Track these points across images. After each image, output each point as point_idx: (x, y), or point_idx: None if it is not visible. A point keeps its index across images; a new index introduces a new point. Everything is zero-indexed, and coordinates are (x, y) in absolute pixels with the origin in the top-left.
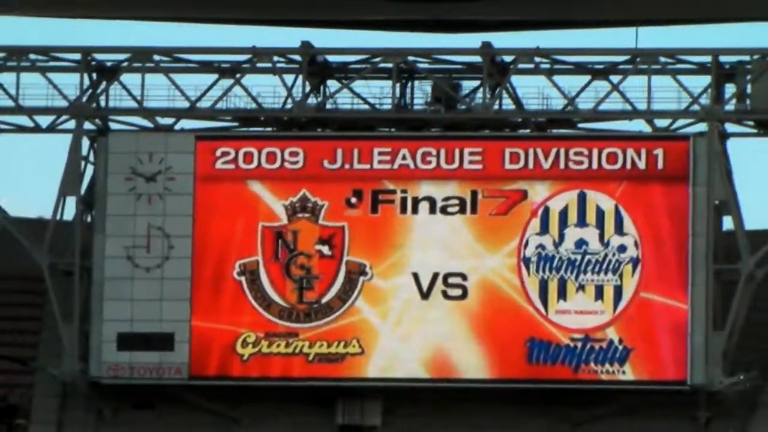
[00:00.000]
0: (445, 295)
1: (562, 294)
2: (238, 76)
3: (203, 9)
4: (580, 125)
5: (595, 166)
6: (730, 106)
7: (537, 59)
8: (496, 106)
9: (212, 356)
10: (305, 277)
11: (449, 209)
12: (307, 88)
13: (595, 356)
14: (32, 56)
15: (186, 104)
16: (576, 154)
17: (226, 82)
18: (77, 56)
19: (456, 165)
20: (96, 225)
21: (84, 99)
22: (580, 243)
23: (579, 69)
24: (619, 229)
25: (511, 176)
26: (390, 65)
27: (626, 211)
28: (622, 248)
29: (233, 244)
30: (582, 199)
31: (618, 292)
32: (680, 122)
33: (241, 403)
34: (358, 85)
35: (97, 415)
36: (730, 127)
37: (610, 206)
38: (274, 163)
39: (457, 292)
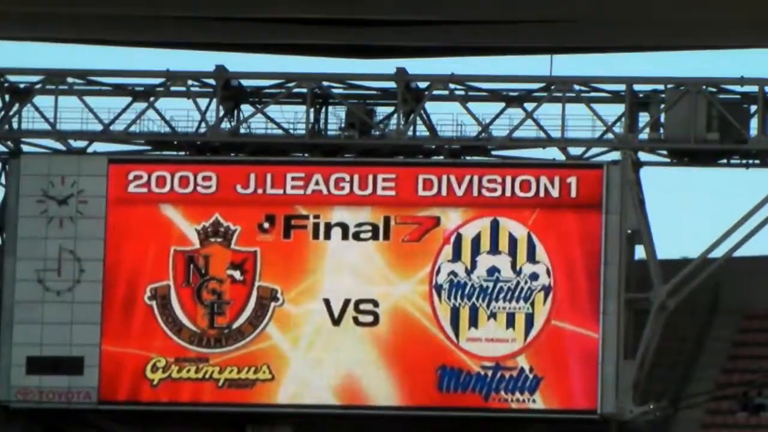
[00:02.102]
0: (356, 321)
1: (474, 321)
2: (151, 99)
3: (117, 32)
4: (494, 152)
5: (508, 193)
6: (644, 135)
7: (451, 86)
8: (410, 133)
9: (122, 381)
10: (216, 302)
11: (362, 235)
12: (221, 113)
13: (505, 385)
14: None
15: (99, 127)
16: (489, 181)
17: (140, 106)
18: None
19: (369, 191)
20: (7, 247)
21: None
22: (493, 270)
23: (493, 96)
24: (532, 257)
25: (424, 203)
26: (304, 90)
27: (539, 239)
28: (534, 276)
29: (145, 268)
30: (495, 227)
31: (530, 320)
32: (594, 150)
33: (151, 428)
34: (272, 109)
35: None
36: (643, 156)
37: (522, 234)
38: (186, 187)
39: (369, 318)
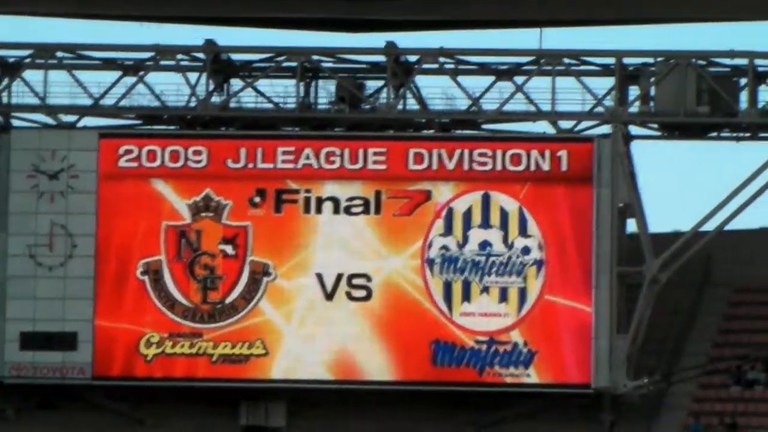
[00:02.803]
0: (349, 296)
1: (467, 296)
2: (141, 73)
3: (107, 5)
4: (485, 126)
5: (499, 167)
6: (634, 108)
7: (441, 59)
8: (400, 106)
9: (116, 356)
10: (209, 277)
11: (353, 209)
12: (211, 87)
13: (499, 359)
14: None
15: (89, 101)
16: (480, 155)
17: (130, 80)
18: None
19: (360, 165)
20: None
21: None
22: (484, 244)
23: (483, 69)
24: (523, 231)
25: (415, 177)
26: (294, 64)
27: (530, 213)
28: (526, 250)
29: (136, 243)
30: (486, 201)
31: (522, 294)
32: (584, 124)
33: (145, 404)
34: (262, 83)
35: (0, 414)
36: (634, 130)
37: (514, 208)
38: (177, 161)
39: (362, 293)
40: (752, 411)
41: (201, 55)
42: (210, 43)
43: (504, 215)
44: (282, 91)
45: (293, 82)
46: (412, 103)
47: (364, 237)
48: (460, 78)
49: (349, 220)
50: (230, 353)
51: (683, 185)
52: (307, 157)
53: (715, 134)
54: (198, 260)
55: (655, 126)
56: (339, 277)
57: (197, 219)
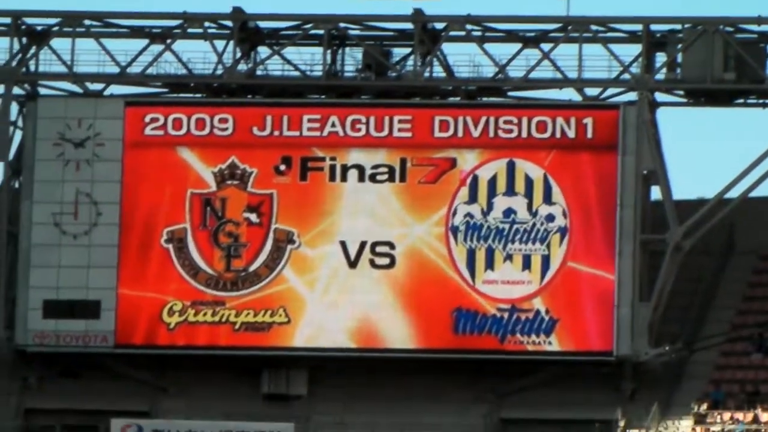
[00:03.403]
0: (372, 264)
1: (490, 264)
2: (168, 41)
3: None
4: (511, 93)
5: (524, 134)
6: (661, 75)
7: (468, 26)
8: (426, 74)
9: (139, 324)
10: (233, 244)
11: (378, 177)
12: (238, 54)
13: (521, 327)
14: None
15: (116, 69)
16: (506, 122)
17: (157, 48)
18: (7, 20)
19: (385, 133)
20: (24, 191)
21: (13, 63)
22: (509, 212)
23: (510, 37)
24: (548, 199)
25: (441, 144)
26: (321, 32)
27: (555, 180)
28: (550, 217)
29: (161, 211)
30: (511, 168)
31: (546, 261)
32: (610, 91)
33: (167, 372)
34: (289, 51)
35: (23, 382)
36: (660, 97)
37: (539, 175)
38: (203, 129)
39: (385, 261)
40: None
41: (228, 23)
42: (237, 11)
43: (529, 182)
44: (308, 58)
45: (320, 49)
46: (438, 71)
47: (388, 205)
48: (486, 45)
49: (374, 187)
50: (253, 321)
51: (708, 152)
52: (333, 125)
53: (741, 101)
54: (222, 228)
55: (681, 93)
56: (363, 244)
57: (222, 187)
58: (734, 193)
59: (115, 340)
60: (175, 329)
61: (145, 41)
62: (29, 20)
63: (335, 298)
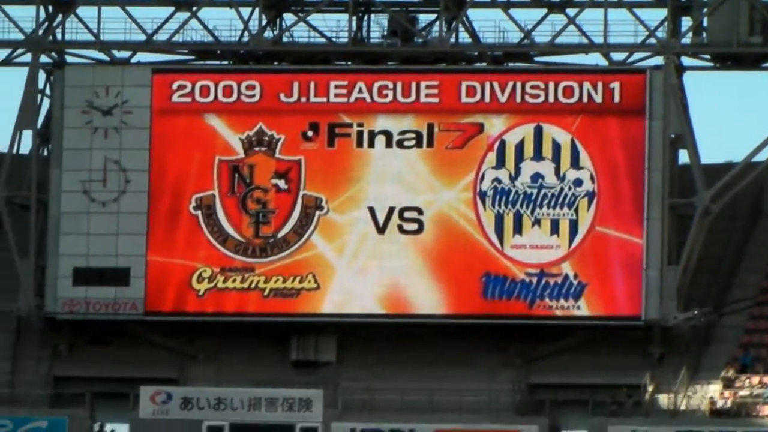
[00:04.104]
0: (401, 229)
1: (518, 228)
2: (194, 9)
3: None
4: (537, 59)
5: (551, 99)
6: (687, 40)
7: None
8: (452, 40)
9: (168, 292)
10: (261, 211)
11: (405, 143)
12: (264, 22)
13: (550, 291)
14: None
15: (142, 37)
16: (532, 87)
17: (183, 15)
18: None
19: (412, 98)
20: (52, 159)
21: (40, 32)
22: (536, 177)
23: (535, 2)
24: (575, 163)
25: (468, 110)
26: None
27: (582, 145)
28: (578, 182)
29: (189, 178)
30: (538, 133)
31: (574, 226)
32: (636, 56)
33: (196, 339)
34: (315, 18)
35: (53, 350)
36: (686, 61)
37: (566, 140)
38: (230, 96)
39: (413, 226)
40: None
41: None
42: None
43: (556, 147)
44: (334, 25)
45: (346, 16)
46: (464, 36)
47: (416, 170)
48: (512, 11)
49: (401, 153)
50: (282, 287)
51: (735, 116)
52: (360, 91)
53: (767, 64)
54: (250, 194)
55: (708, 57)
56: (391, 210)
57: (250, 153)
58: (762, 157)
59: (145, 307)
60: (205, 296)
61: (171, 9)
62: None
63: (364, 264)
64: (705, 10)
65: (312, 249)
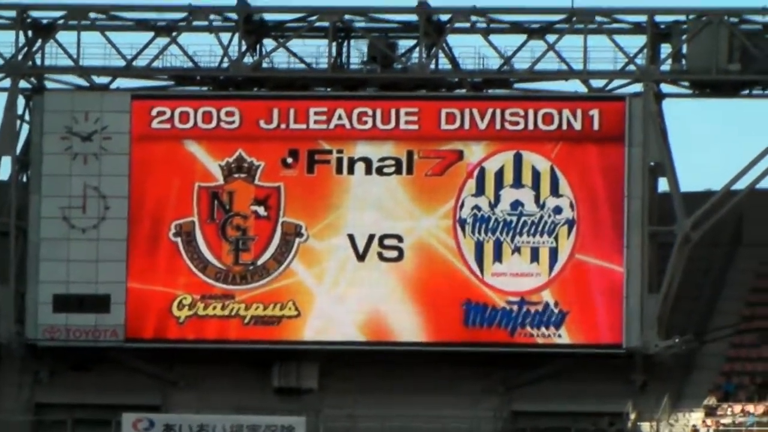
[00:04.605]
0: (381, 256)
1: (498, 256)
2: (174, 34)
3: None
4: (517, 85)
5: (531, 126)
6: (666, 67)
7: (473, 18)
8: (432, 66)
9: (148, 318)
10: (241, 238)
11: (385, 170)
12: (243, 47)
13: (531, 319)
14: None
15: (122, 63)
16: (512, 114)
17: (162, 41)
18: (12, 13)
19: (392, 125)
20: (32, 185)
21: (19, 57)
22: (516, 204)
23: (515, 28)
24: (555, 191)
25: (447, 137)
26: (326, 24)
27: (562, 172)
28: (557, 210)
29: (169, 205)
30: (518, 160)
31: (554, 254)
32: (616, 82)
33: (178, 366)
34: (295, 44)
35: (34, 377)
36: (665, 88)
37: (545, 167)
38: (210, 122)
39: (393, 253)
40: None
41: (233, 16)
42: (242, 4)
43: (536, 175)
44: (314, 51)
45: (325, 42)
46: (444, 63)
47: (396, 197)
48: (491, 37)
49: (381, 180)
50: (262, 315)
51: (715, 143)
52: (340, 118)
53: (746, 92)
54: (230, 221)
55: (687, 84)
56: (371, 237)
57: (229, 180)
58: (742, 185)
59: (125, 334)
60: (185, 323)
61: (151, 34)
62: (35, 13)
63: (344, 291)
64: (684, 37)
65: (292, 276)
